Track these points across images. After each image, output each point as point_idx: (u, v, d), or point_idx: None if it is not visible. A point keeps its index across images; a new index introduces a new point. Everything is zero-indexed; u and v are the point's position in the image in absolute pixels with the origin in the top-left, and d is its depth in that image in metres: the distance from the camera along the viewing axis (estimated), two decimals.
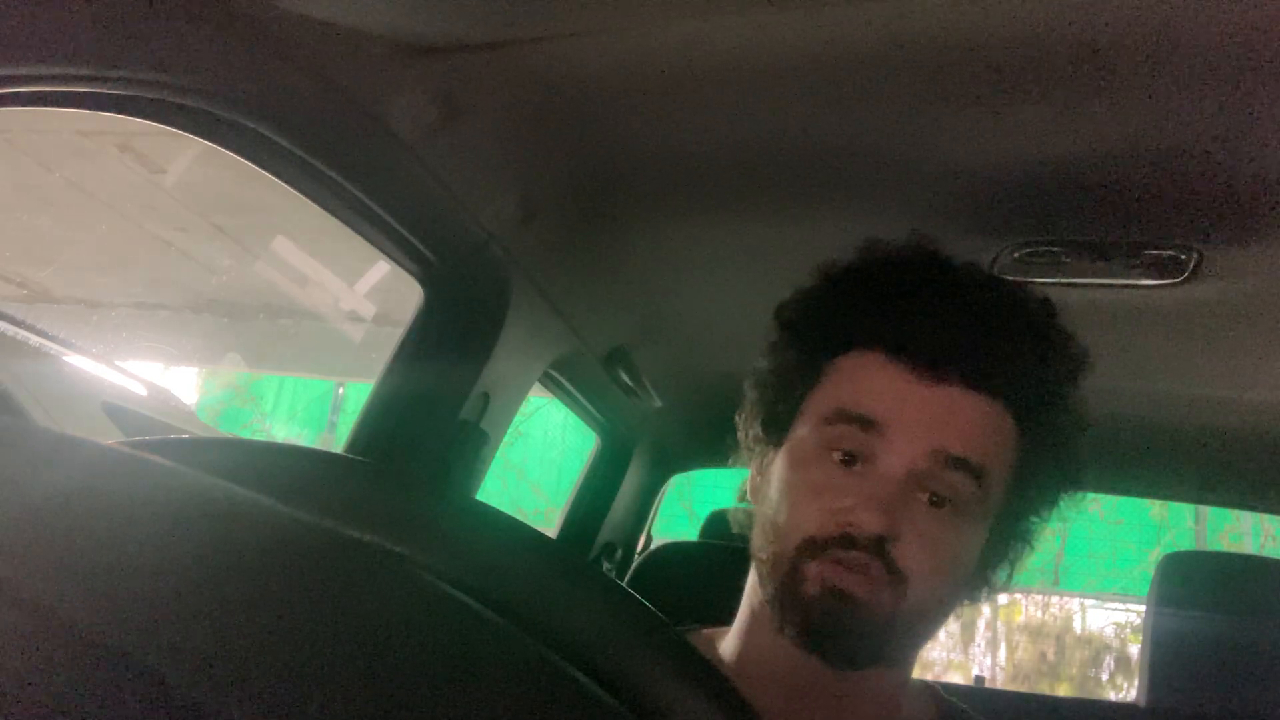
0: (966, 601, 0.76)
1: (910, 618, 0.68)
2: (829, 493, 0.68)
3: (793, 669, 0.70)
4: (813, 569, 0.67)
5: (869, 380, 0.71)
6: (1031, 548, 0.77)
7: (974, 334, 0.70)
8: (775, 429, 0.77)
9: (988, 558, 0.74)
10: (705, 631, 0.83)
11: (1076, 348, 0.75)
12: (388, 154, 0.94)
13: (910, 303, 0.72)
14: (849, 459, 0.69)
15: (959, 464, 0.67)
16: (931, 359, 0.69)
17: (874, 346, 0.72)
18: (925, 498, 0.68)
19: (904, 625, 0.68)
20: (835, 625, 0.67)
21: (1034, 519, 0.76)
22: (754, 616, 0.75)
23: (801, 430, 0.74)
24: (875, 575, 0.66)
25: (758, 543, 0.74)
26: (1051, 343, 0.74)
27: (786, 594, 0.68)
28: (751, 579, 0.76)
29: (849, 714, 0.73)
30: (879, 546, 0.66)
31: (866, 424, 0.69)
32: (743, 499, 0.81)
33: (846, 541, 0.66)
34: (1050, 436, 0.73)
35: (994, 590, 0.77)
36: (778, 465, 0.74)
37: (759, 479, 0.78)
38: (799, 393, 0.76)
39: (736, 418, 0.83)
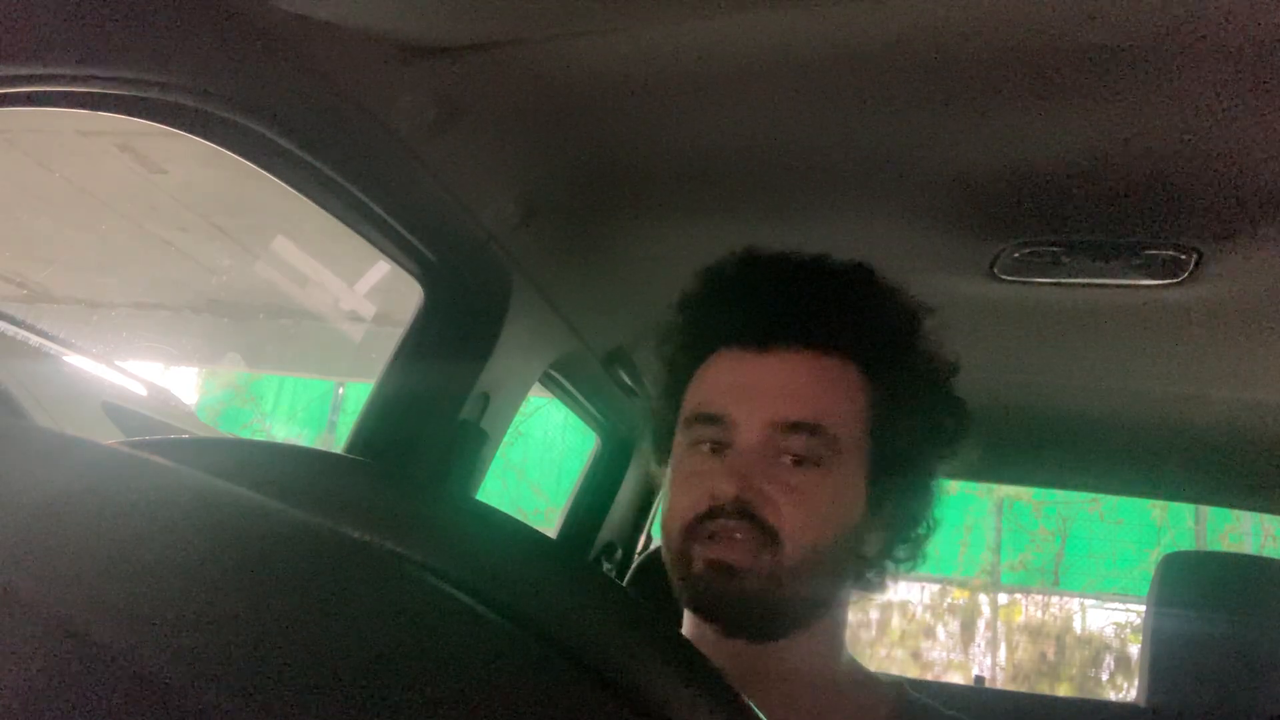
0: (868, 573, 0.79)
1: (793, 574, 0.72)
2: (700, 477, 0.75)
3: (718, 654, 0.72)
4: (697, 549, 0.73)
5: (715, 378, 0.79)
6: (926, 521, 0.81)
7: (797, 302, 0.77)
8: (664, 446, 0.84)
9: (872, 515, 0.76)
10: None
11: (908, 299, 0.81)
12: (388, 154, 0.94)
13: (738, 298, 0.80)
14: (716, 447, 0.76)
15: (796, 427, 0.73)
16: (760, 334, 0.77)
17: (719, 346, 0.80)
18: (788, 460, 0.73)
19: (789, 583, 0.72)
20: (721, 593, 0.72)
21: (915, 478, 0.79)
22: (688, 612, 0.79)
23: (678, 438, 0.81)
24: (746, 537, 0.71)
25: (664, 552, 0.79)
26: (878, 295, 0.80)
27: (682, 576, 0.75)
28: None
29: (783, 694, 0.75)
30: (741, 508, 0.71)
31: (714, 420, 0.76)
32: None
33: (714, 511, 0.72)
34: (901, 384, 0.78)
35: (897, 564, 0.80)
36: (669, 474, 0.81)
37: (664, 494, 0.84)
38: (675, 408, 0.83)
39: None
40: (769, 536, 0.71)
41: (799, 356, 0.76)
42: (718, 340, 0.80)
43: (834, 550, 0.74)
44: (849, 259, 0.81)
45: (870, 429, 0.76)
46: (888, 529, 0.78)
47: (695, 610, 0.74)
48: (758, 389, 0.75)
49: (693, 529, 0.73)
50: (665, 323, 0.86)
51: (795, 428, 0.73)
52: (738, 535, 0.71)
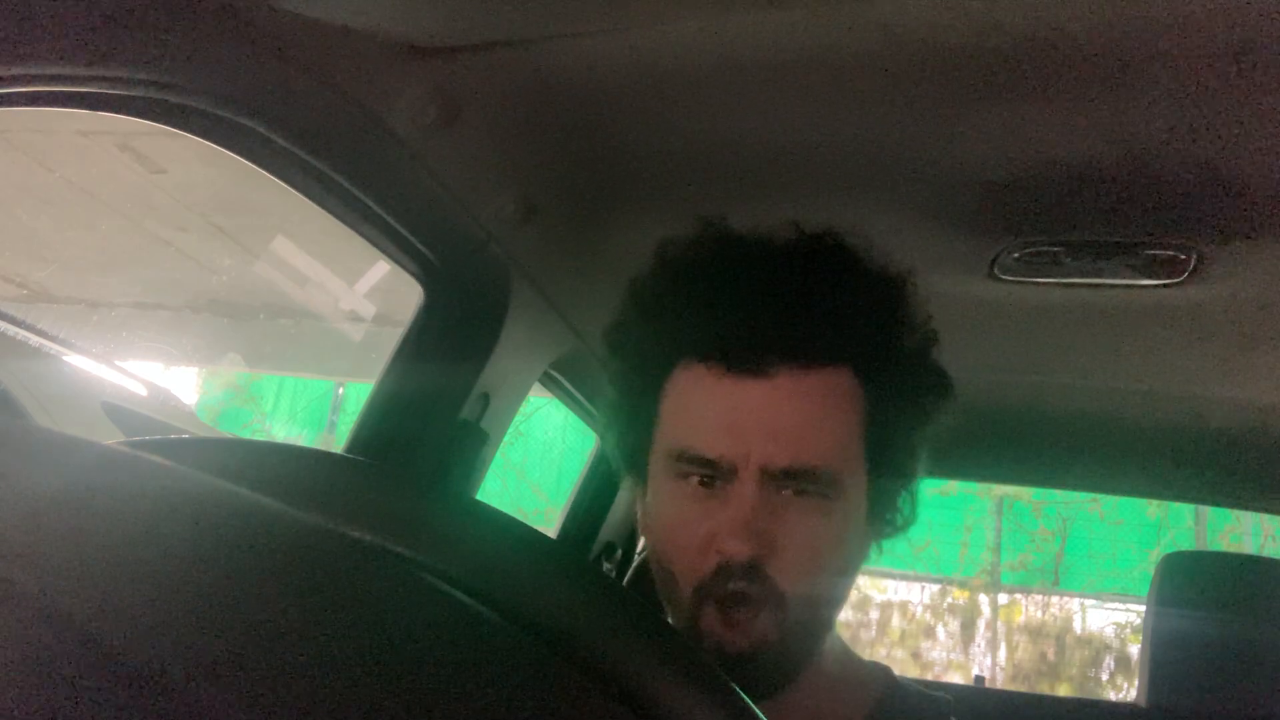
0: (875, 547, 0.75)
1: (799, 620, 0.67)
2: (698, 521, 0.68)
3: None
4: (707, 619, 0.67)
5: (697, 408, 0.69)
6: (915, 508, 0.76)
7: (782, 310, 0.67)
8: (638, 462, 0.76)
9: (870, 527, 0.73)
10: None
11: (892, 273, 0.72)
12: (388, 154, 0.94)
13: (712, 300, 0.69)
14: (708, 480, 0.68)
15: (794, 474, 0.66)
16: (746, 357, 0.67)
17: (692, 358, 0.70)
18: (790, 492, 0.67)
19: (796, 632, 0.67)
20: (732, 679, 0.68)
21: (912, 479, 0.74)
22: None
23: (656, 465, 0.73)
24: (756, 596, 0.65)
25: (658, 585, 0.73)
26: (866, 281, 0.71)
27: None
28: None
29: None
30: (753, 571, 0.65)
31: (706, 463, 0.68)
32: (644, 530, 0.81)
33: (724, 574, 0.66)
34: (898, 383, 0.71)
35: (899, 526, 0.75)
36: (650, 499, 0.74)
37: (641, 510, 0.78)
38: (646, 425, 0.74)
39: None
40: (775, 596, 0.66)
41: (794, 382, 0.66)
42: (690, 349, 0.70)
43: (837, 580, 0.71)
44: (822, 233, 0.71)
45: (868, 441, 0.70)
46: (883, 531, 0.75)
47: None
48: (754, 429, 0.66)
49: (703, 593, 0.67)
50: (621, 313, 0.76)
51: (794, 474, 0.66)
52: (748, 596, 0.65)
